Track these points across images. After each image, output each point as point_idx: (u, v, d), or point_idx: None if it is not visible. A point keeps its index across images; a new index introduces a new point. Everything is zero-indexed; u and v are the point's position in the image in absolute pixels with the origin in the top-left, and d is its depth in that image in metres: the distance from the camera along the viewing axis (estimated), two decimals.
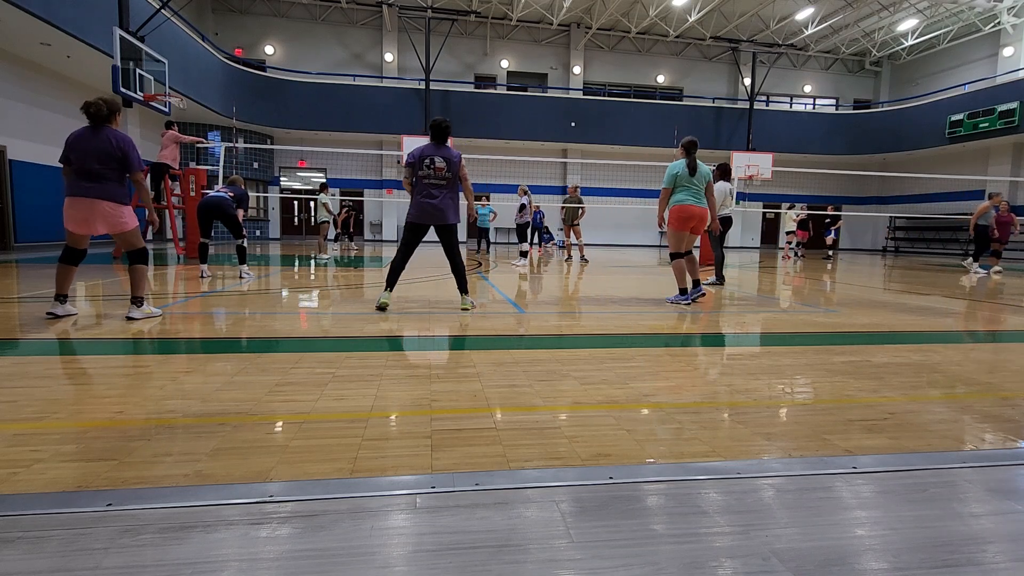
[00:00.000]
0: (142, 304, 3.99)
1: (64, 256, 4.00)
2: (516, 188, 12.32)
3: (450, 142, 4.73)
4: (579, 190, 11.83)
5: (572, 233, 11.79)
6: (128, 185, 4.06)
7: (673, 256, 5.55)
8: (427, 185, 4.52)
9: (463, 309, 4.69)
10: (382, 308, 4.56)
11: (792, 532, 1.35)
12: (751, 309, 5.40)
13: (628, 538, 1.30)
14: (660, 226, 5.63)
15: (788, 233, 15.98)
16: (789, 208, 16.12)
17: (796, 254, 15.86)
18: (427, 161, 4.51)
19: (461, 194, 4.75)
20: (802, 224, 15.42)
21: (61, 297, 3.96)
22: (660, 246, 23.36)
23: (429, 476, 1.60)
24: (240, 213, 6.96)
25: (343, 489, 1.51)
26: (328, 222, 11.39)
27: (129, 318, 3.90)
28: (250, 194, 20.22)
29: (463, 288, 4.78)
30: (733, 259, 14.57)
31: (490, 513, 1.40)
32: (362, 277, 7.76)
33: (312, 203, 11.28)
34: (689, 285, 5.55)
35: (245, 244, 7.21)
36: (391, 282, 4.65)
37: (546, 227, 19.81)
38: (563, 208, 11.82)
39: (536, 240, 16.12)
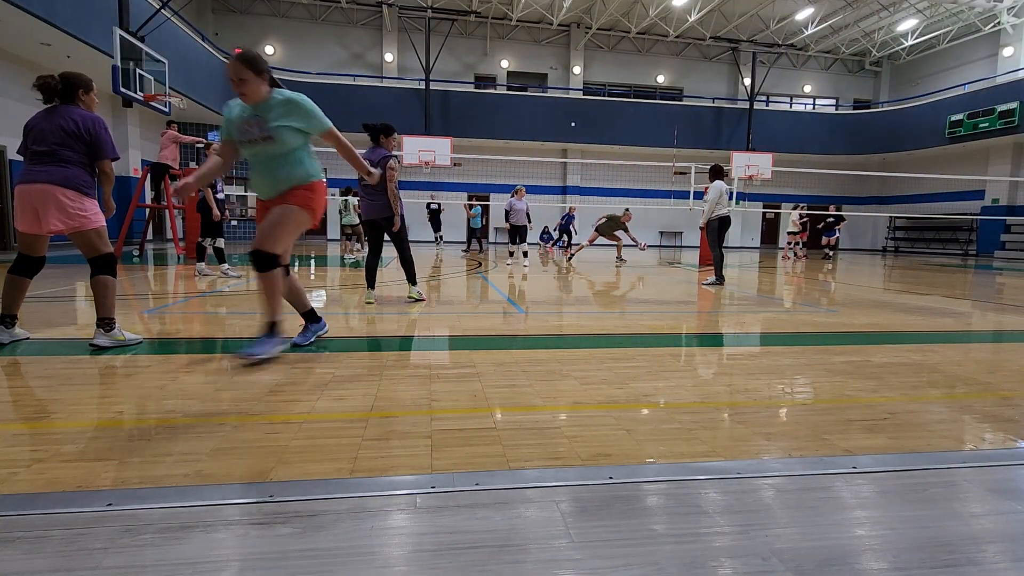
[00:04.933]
0: (112, 327, 3.14)
1: (15, 265, 3.18)
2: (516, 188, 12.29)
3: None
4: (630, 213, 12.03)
5: (610, 238, 11.91)
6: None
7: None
8: (363, 186, 4.79)
9: (409, 298, 5.15)
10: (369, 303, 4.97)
11: (792, 532, 1.35)
12: (751, 309, 5.40)
13: (628, 538, 1.30)
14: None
15: (790, 234, 15.89)
16: (794, 208, 16.01)
17: (796, 255, 15.80)
18: None
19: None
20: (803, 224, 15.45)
21: (7, 319, 3.16)
22: (660, 246, 23.36)
23: (429, 476, 1.60)
24: (209, 194, 6.80)
25: (343, 489, 1.51)
26: (359, 224, 11.64)
27: (94, 346, 3.08)
28: (250, 195, 20.25)
29: (410, 279, 5.16)
30: (733, 259, 14.57)
31: (490, 513, 1.40)
32: (360, 277, 7.76)
33: (342, 205, 11.70)
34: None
35: (205, 243, 7.10)
36: (370, 281, 5.00)
37: (545, 227, 19.85)
38: (604, 218, 11.85)
39: (565, 242, 16.13)
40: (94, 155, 3.11)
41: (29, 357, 2.93)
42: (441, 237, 17.06)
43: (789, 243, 16.04)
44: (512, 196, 11.12)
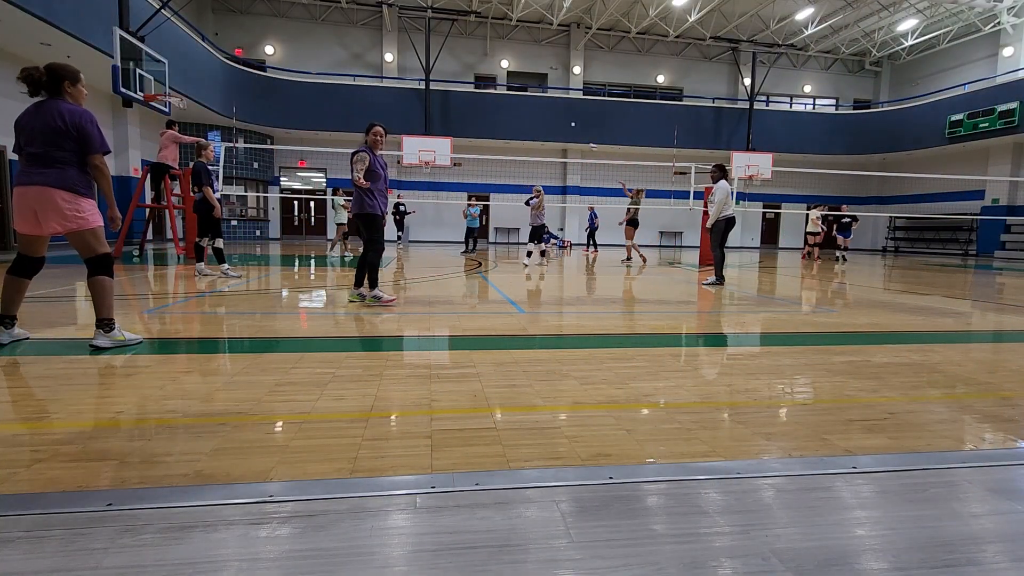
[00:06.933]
0: (111, 328, 3.13)
1: (14, 266, 3.16)
2: (517, 188, 12.34)
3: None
4: (643, 193, 11.89)
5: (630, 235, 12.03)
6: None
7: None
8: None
9: (350, 300, 5.03)
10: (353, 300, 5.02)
11: (792, 532, 1.35)
12: (751, 309, 5.40)
13: (628, 538, 1.30)
14: None
15: (810, 234, 15.36)
16: (814, 207, 15.64)
17: (813, 255, 15.41)
18: None
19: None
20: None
21: (7, 319, 3.14)
22: (660, 246, 23.35)
23: (429, 476, 1.60)
24: (208, 192, 6.84)
25: (343, 489, 1.51)
26: (345, 223, 11.93)
27: (94, 347, 3.07)
28: (250, 195, 20.25)
29: (357, 282, 5.03)
30: (733, 259, 14.57)
31: (490, 513, 1.40)
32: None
33: (330, 203, 12.10)
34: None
35: (203, 243, 7.11)
36: (357, 280, 5.02)
37: (546, 227, 19.82)
38: (629, 210, 11.92)
39: (591, 243, 16.19)
40: (83, 151, 3.03)
41: (29, 357, 2.92)
42: (400, 236, 17.41)
43: (809, 243, 15.54)
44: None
